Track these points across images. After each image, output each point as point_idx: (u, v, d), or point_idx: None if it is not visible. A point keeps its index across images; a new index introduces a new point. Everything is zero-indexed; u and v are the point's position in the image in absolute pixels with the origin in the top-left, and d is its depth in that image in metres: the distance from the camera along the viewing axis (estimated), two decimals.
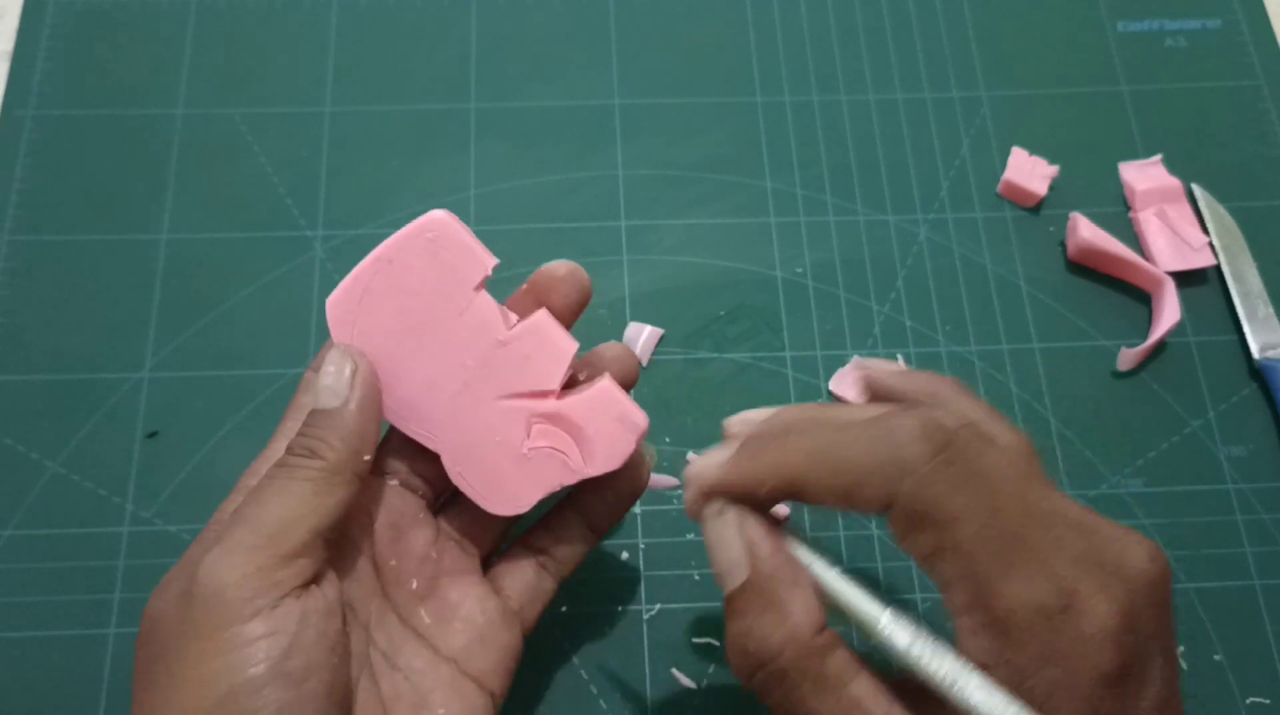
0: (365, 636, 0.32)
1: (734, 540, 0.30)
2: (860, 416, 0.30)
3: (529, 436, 0.34)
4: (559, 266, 0.36)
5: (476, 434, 0.34)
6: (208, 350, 0.46)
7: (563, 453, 0.34)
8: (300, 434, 0.31)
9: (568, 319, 0.36)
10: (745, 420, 0.33)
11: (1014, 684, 0.26)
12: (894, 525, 0.29)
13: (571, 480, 0.34)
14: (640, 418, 0.34)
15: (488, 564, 0.37)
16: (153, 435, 0.44)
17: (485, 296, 0.34)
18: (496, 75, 0.52)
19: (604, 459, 0.34)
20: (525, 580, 0.36)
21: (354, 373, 0.32)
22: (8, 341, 0.45)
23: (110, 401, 0.44)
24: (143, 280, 0.47)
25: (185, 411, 0.44)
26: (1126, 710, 0.27)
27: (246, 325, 0.46)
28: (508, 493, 0.35)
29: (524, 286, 0.36)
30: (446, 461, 0.35)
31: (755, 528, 0.30)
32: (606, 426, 0.34)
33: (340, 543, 0.32)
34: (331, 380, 0.32)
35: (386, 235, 0.34)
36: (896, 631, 0.28)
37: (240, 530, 0.29)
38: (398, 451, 0.35)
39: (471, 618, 0.34)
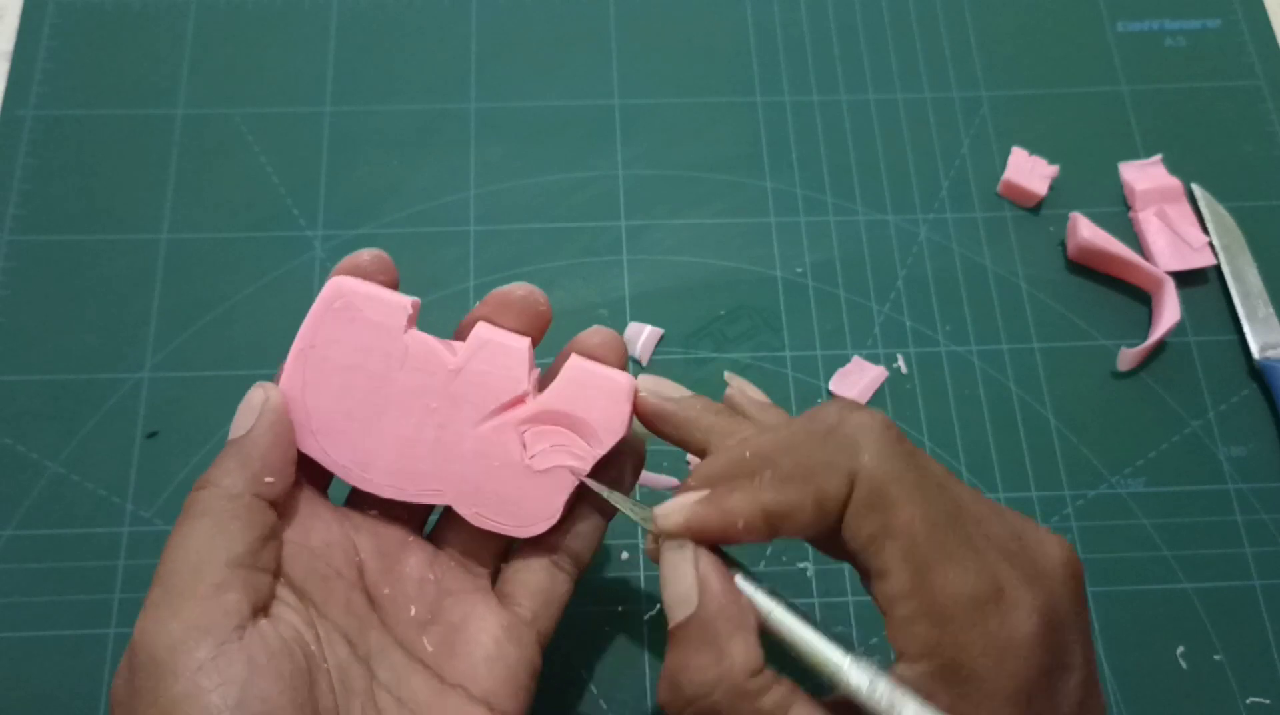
0: (366, 672, 0.32)
1: (688, 573, 0.30)
2: (788, 432, 0.31)
3: (525, 446, 0.33)
4: (515, 289, 0.34)
5: (474, 469, 0.33)
6: (208, 350, 0.46)
7: (566, 445, 0.33)
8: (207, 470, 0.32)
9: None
10: (657, 390, 0.33)
11: (951, 671, 0.27)
12: (849, 511, 0.29)
13: (587, 467, 0.33)
14: (622, 377, 0.33)
15: (497, 574, 0.35)
16: (153, 435, 0.44)
17: (417, 334, 0.33)
18: (496, 75, 0.52)
19: (606, 432, 0.33)
20: (538, 585, 0.34)
21: (264, 402, 0.32)
22: (8, 341, 0.45)
23: (110, 401, 0.44)
24: (143, 280, 0.47)
25: (185, 411, 0.44)
26: (1055, 693, 0.28)
27: (246, 325, 0.46)
28: (532, 510, 0.33)
29: (475, 309, 0.35)
30: (460, 508, 0.34)
31: (708, 563, 0.30)
32: (594, 400, 0.33)
33: (313, 574, 0.32)
34: (242, 414, 0.32)
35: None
36: (855, 677, 0.28)
37: (156, 589, 0.29)
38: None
39: (476, 638, 0.33)
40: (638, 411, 0.34)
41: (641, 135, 0.51)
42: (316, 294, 0.46)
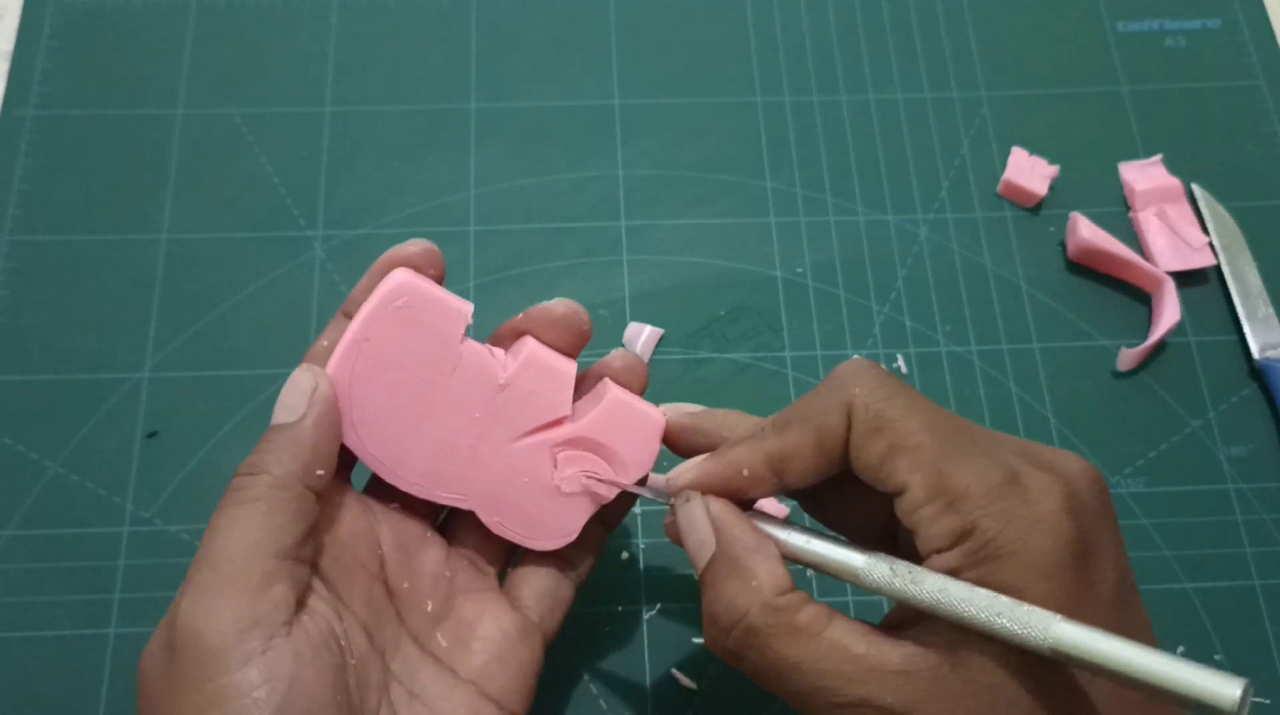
0: (382, 664, 0.32)
1: (701, 519, 0.32)
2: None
3: (556, 467, 0.34)
4: (556, 306, 0.34)
5: (504, 481, 0.34)
6: (208, 350, 0.46)
7: (595, 473, 0.34)
8: (253, 453, 0.31)
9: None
10: (682, 410, 0.35)
11: (980, 550, 0.27)
12: (854, 441, 0.30)
13: (611, 496, 0.34)
14: (656, 414, 0.35)
15: (504, 576, 0.36)
16: (153, 435, 0.44)
17: (471, 344, 0.33)
18: (496, 75, 0.52)
19: (635, 466, 0.34)
20: (544, 588, 0.35)
21: (314, 390, 0.31)
22: (8, 341, 0.45)
23: (110, 401, 0.44)
24: (143, 280, 0.47)
25: (185, 411, 0.44)
26: (1090, 571, 0.28)
27: (246, 325, 0.46)
28: (551, 527, 0.35)
29: (517, 320, 0.35)
30: (483, 515, 0.34)
31: (719, 505, 0.32)
32: (628, 434, 0.34)
33: (339, 565, 0.32)
34: (290, 398, 0.31)
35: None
36: (877, 570, 0.29)
37: (204, 572, 0.29)
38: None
39: (489, 636, 0.33)
40: (669, 434, 0.35)
41: (641, 135, 0.51)
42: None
